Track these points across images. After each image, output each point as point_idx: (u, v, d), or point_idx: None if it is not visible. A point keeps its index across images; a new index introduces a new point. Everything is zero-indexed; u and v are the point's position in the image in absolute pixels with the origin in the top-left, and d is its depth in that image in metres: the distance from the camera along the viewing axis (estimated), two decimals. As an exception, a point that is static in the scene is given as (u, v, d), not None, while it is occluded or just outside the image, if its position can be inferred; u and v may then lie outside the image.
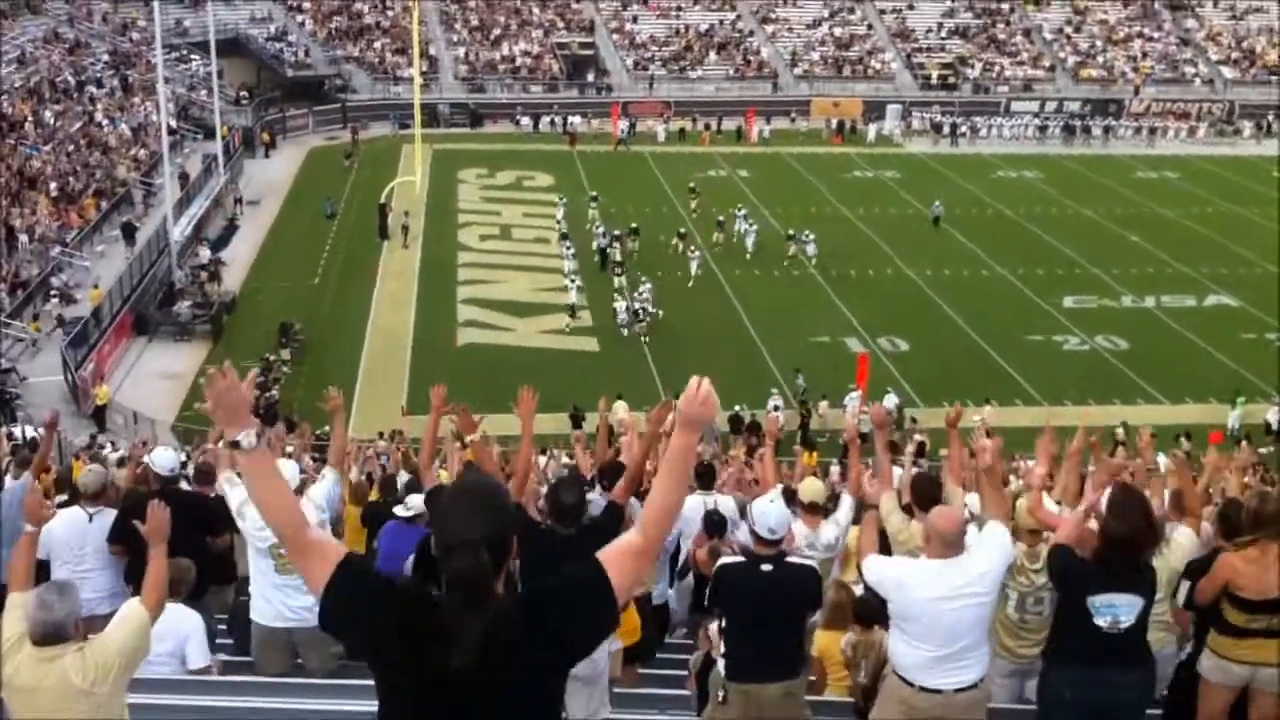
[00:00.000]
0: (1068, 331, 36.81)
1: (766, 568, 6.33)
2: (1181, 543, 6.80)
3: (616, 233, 42.13)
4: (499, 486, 3.82)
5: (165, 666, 7.19)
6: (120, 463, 18.09)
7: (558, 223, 45.58)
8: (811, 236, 42.49)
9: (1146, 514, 6.07)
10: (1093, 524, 6.20)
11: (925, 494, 7.53)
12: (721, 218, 44.47)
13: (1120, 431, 27.75)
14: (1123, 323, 37.61)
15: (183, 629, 7.33)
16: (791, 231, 43.18)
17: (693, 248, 40.71)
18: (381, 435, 25.87)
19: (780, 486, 10.47)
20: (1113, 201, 52.22)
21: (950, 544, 5.97)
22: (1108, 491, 6.33)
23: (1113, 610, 5.99)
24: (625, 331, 35.62)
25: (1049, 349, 35.62)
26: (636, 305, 36.15)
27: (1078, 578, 6.16)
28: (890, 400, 30.19)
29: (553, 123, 63.20)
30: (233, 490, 8.11)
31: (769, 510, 6.40)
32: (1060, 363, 34.71)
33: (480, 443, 7.72)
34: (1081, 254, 43.99)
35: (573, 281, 38.10)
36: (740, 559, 6.55)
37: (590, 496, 7.65)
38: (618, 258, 40.41)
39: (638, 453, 7.99)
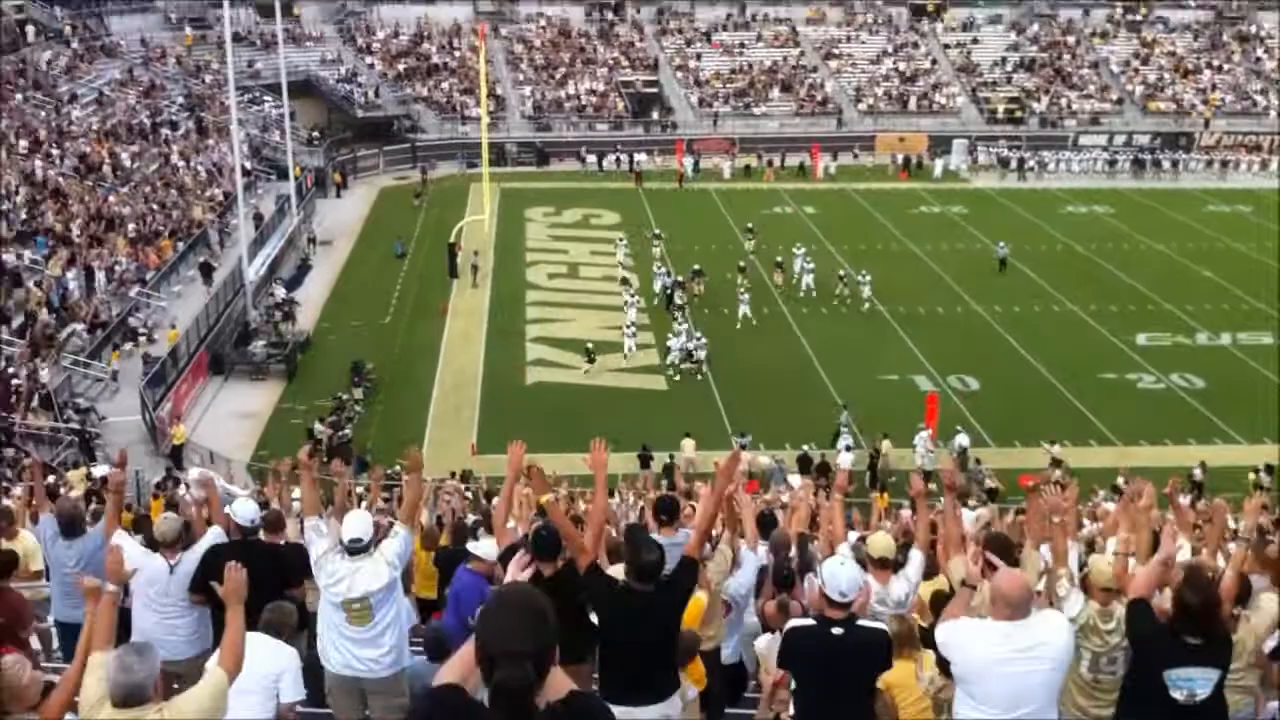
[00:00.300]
0: (1142, 369, 36.30)
1: (837, 631, 6.30)
2: (1270, 609, 6.68)
3: (679, 279, 42.21)
4: (542, 598, 3.91)
5: (257, 696, 7.27)
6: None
7: (619, 264, 45.75)
8: (868, 277, 42.20)
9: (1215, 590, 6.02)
10: (1167, 595, 6.14)
11: (998, 554, 7.44)
12: (780, 259, 44.37)
13: (1198, 473, 27.34)
14: (1198, 360, 37.01)
15: (278, 664, 7.42)
16: (842, 272, 42.92)
17: (741, 290, 40.61)
18: (453, 474, 26.06)
19: (854, 538, 10.45)
20: (1185, 236, 51.58)
21: (1014, 607, 5.92)
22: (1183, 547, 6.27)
23: (1189, 684, 5.93)
24: (676, 376, 35.57)
25: (1123, 387, 35.14)
26: (689, 345, 36.16)
27: (1157, 648, 6.09)
28: (961, 440, 30.02)
29: (617, 161, 63.65)
30: (319, 540, 8.27)
31: (839, 573, 6.38)
32: (1135, 401, 34.21)
33: (553, 502, 7.80)
34: (1154, 290, 43.45)
35: (631, 331, 37.54)
36: (810, 622, 6.54)
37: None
38: (679, 301, 40.48)
39: (709, 505, 8.00)
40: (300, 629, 10.15)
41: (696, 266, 43.22)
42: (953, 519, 7.85)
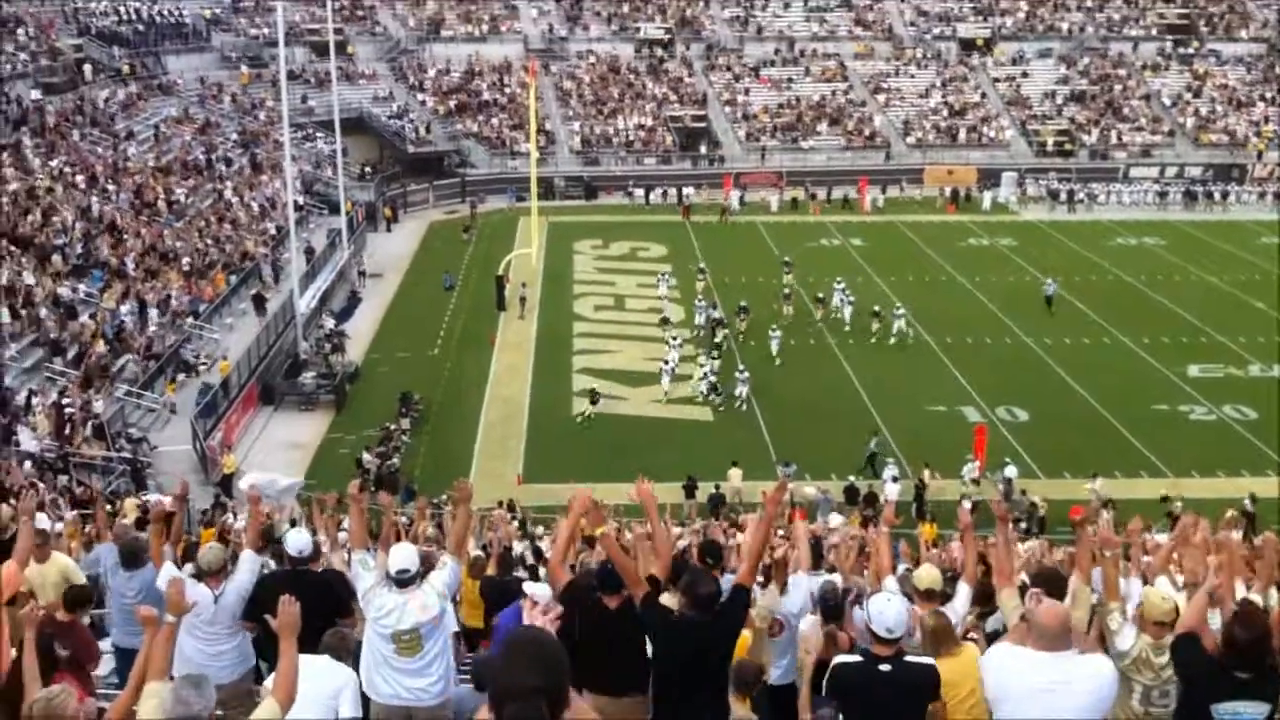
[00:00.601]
0: (1193, 401, 35.90)
1: (885, 668, 6.27)
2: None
3: (720, 317, 42.30)
4: (550, 637, 3.94)
5: (318, 713, 7.33)
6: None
7: (660, 299, 45.86)
8: (902, 310, 42.13)
9: (1267, 626, 5.96)
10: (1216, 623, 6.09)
11: (1047, 588, 7.38)
12: (821, 294, 44.34)
13: (1248, 503, 26.96)
14: (1250, 392, 36.56)
15: (337, 682, 7.49)
16: (877, 308, 42.69)
17: (774, 327, 40.58)
18: (500, 504, 26.15)
19: (901, 569, 10.40)
20: (1237, 268, 51.04)
21: (1049, 638, 5.88)
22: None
23: (1237, 718, 5.86)
24: (721, 406, 35.59)
25: (1174, 419, 34.77)
26: (714, 379, 36.21)
27: (1206, 681, 6.04)
28: (1009, 471, 29.82)
29: (664, 194, 63.85)
30: (365, 573, 8.33)
31: (886, 610, 6.35)
32: (1187, 433, 33.85)
33: (608, 535, 7.85)
34: (1206, 321, 43.02)
35: (669, 369, 36.99)
36: (857, 658, 6.51)
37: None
38: (717, 340, 40.59)
39: (758, 534, 7.98)
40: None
41: (743, 303, 43.14)
42: (1004, 550, 7.78)
